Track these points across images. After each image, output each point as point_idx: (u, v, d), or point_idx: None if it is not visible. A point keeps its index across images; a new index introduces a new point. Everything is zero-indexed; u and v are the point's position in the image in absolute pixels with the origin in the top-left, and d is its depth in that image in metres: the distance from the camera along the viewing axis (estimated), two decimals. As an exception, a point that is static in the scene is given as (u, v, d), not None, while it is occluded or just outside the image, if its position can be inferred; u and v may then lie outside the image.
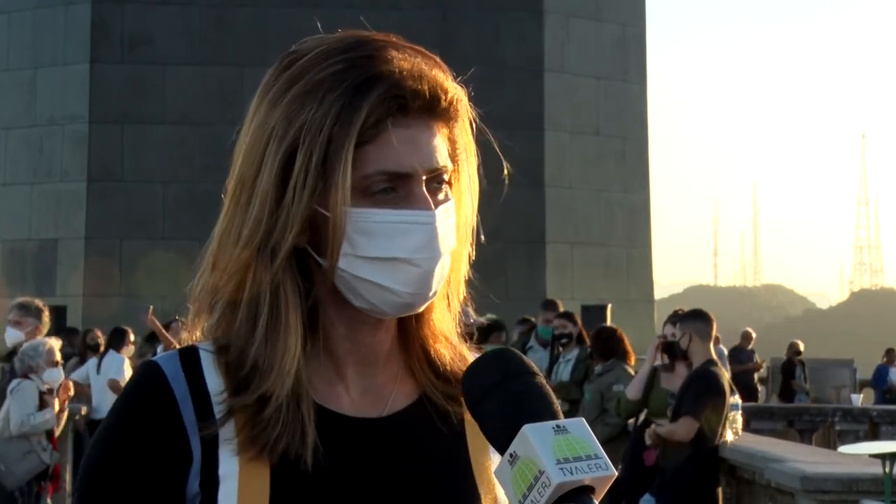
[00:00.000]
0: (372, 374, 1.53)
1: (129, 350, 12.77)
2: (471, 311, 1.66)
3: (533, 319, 11.59)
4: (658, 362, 8.46)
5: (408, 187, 1.45)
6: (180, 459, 1.44)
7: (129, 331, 12.89)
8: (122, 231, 20.42)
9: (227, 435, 1.44)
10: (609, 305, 17.34)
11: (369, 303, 1.47)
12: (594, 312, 14.89)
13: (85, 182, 20.64)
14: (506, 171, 1.63)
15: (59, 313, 19.48)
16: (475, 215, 1.56)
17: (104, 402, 11.98)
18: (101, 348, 13.25)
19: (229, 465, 1.43)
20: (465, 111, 1.52)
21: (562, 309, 10.63)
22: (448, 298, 1.56)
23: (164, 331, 12.72)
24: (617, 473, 1.29)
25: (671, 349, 8.29)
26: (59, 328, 19.34)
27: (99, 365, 12.46)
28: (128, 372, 12.37)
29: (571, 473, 1.25)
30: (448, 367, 1.55)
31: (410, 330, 1.56)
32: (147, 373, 1.48)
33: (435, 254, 1.46)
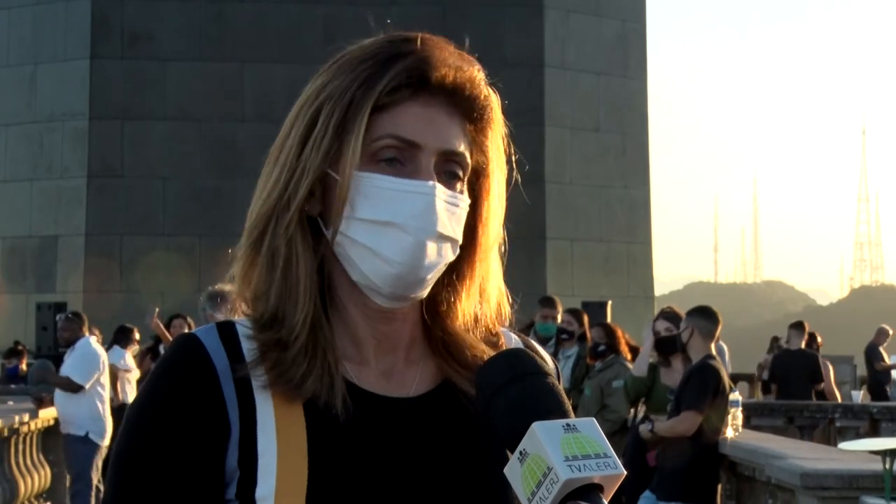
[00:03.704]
0: (395, 359, 1.55)
1: (134, 349, 12.77)
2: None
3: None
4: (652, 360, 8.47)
5: (415, 161, 1.48)
6: (219, 433, 1.45)
7: (135, 329, 12.90)
8: (123, 227, 20.41)
9: (260, 382, 1.47)
10: (609, 302, 17.32)
11: (363, 274, 1.49)
12: (594, 309, 14.86)
13: (85, 178, 20.63)
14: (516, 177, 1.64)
15: (59, 310, 19.49)
16: (502, 229, 1.58)
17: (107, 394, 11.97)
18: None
19: (267, 425, 1.45)
20: (497, 122, 1.56)
21: (559, 305, 10.59)
22: (481, 298, 1.58)
23: (166, 333, 12.72)
24: (626, 473, 1.29)
25: (665, 345, 8.27)
26: (58, 326, 19.36)
27: (102, 360, 12.45)
28: (129, 361, 12.37)
29: (580, 471, 1.25)
30: (470, 359, 1.56)
31: (433, 329, 1.58)
32: (188, 344, 1.49)
33: (429, 225, 1.47)
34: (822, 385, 14.53)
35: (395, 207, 1.47)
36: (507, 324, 1.62)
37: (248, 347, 1.49)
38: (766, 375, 19.91)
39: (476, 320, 1.58)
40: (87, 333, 10.63)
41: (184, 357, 1.48)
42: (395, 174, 1.47)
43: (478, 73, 1.53)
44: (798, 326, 15.41)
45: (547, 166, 20.87)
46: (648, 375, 8.45)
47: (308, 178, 1.48)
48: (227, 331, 1.51)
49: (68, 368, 10.48)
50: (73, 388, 10.21)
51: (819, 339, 15.72)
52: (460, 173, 1.52)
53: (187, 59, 20.69)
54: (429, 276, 1.50)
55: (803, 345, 15.11)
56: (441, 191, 1.48)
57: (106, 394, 10.58)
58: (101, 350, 10.74)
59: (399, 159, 1.48)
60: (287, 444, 1.44)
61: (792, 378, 14.67)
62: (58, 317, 12.30)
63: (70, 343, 10.55)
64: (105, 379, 10.56)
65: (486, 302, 1.58)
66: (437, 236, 1.48)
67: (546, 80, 21.25)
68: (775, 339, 20.53)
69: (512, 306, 1.61)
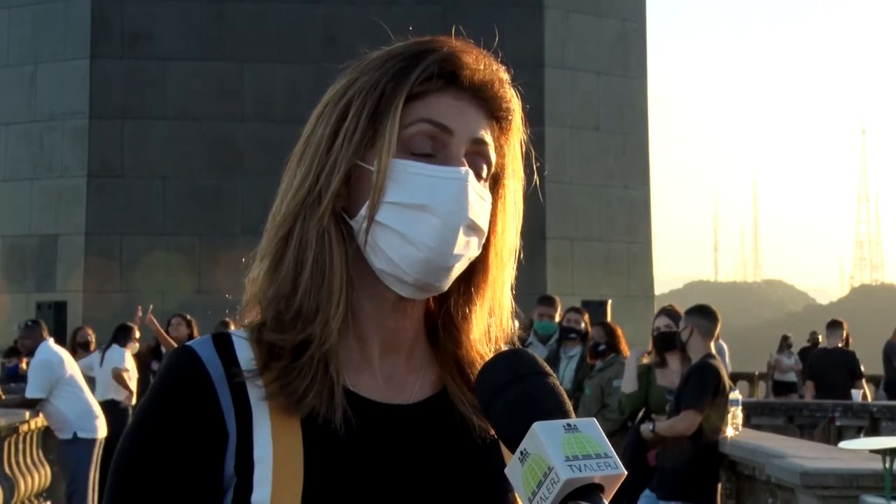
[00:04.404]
0: (396, 362, 1.54)
1: (134, 347, 12.75)
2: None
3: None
4: (647, 360, 8.46)
5: (446, 150, 1.49)
6: (217, 440, 1.45)
7: (135, 328, 12.88)
8: (123, 227, 20.40)
9: (258, 394, 1.46)
10: (609, 301, 17.32)
11: (390, 260, 1.48)
12: (594, 308, 14.86)
13: (85, 178, 20.62)
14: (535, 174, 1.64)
15: (59, 309, 19.53)
16: (518, 238, 1.58)
17: (108, 393, 11.95)
18: (92, 346, 13.20)
19: (263, 434, 1.44)
20: (517, 128, 1.57)
21: (559, 304, 10.58)
22: (491, 311, 1.58)
23: (162, 331, 12.70)
24: (626, 473, 1.29)
25: (663, 341, 8.25)
26: (58, 325, 19.37)
27: (102, 358, 12.45)
28: (129, 362, 12.35)
29: (580, 470, 1.25)
30: (474, 372, 1.55)
31: (447, 344, 1.57)
32: (183, 356, 1.49)
33: (461, 210, 1.47)
34: (858, 383, 14.59)
35: (427, 192, 1.46)
36: (511, 340, 1.62)
37: (247, 356, 1.49)
38: (777, 375, 19.94)
39: (490, 336, 1.58)
40: (46, 338, 10.50)
41: (179, 368, 1.48)
42: (427, 162, 1.48)
43: (504, 75, 1.57)
44: (835, 325, 15.42)
45: (547, 166, 20.87)
46: (641, 386, 8.39)
47: (340, 171, 1.48)
48: (222, 342, 1.51)
49: (29, 380, 10.39)
50: (29, 404, 10.07)
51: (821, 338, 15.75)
52: (487, 167, 1.52)
53: (187, 59, 20.68)
54: (455, 266, 1.49)
55: (840, 344, 15.12)
56: (473, 179, 1.49)
57: (84, 386, 10.38)
58: (58, 351, 10.48)
59: (431, 145, 1.49)
60: (283, 451, 1.44)
61: (830, 377, 14.68)
62: (16, 325, 12.22)
63: (32, 351, 10.47)
64: (75, 374, 10.35)
65: (496, 316, 1.58)
66: (467, 223, 1.48)
67: (546, 80, 21.24)
68: (785, 338, 20.53)
69: (514, 318, 1.61)
